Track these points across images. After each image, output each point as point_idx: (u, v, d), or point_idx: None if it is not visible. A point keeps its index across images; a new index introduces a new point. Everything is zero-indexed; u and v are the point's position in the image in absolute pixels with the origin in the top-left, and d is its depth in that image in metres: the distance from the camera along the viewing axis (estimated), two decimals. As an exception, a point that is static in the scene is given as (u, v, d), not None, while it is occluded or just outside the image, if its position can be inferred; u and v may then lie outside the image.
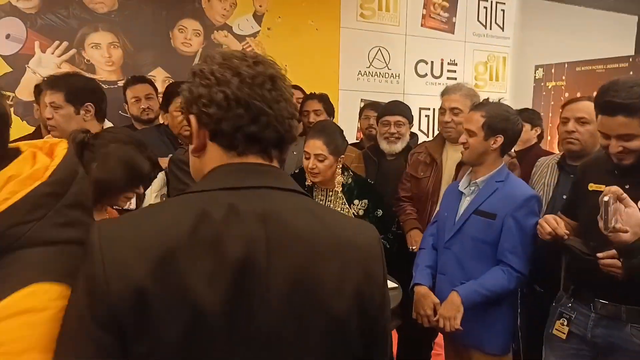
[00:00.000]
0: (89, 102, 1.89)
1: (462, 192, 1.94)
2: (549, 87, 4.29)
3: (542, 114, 4.28)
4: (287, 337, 0.70)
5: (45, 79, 2.03)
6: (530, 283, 1.87)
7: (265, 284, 0.69)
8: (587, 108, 2.15)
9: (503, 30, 4.54)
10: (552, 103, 4.22)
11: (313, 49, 3.78)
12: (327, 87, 3.57)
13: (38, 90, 2.50)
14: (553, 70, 4.26)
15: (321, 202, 2.24)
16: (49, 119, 1.88)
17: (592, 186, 1.68)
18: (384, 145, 2.68)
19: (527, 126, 2.90)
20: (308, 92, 3.21)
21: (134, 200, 1.72)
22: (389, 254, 2.24)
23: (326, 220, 0.76)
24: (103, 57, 3.26)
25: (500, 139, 1.83)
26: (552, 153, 2.58)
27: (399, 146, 2.65)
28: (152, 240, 0.66)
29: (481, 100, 2.03)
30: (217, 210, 0.69)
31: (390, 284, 1.86)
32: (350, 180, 2.26)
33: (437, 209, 2.35)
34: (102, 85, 3.18)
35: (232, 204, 0.70)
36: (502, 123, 1.82)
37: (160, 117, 2.75)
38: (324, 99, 3.06)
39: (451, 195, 2.01)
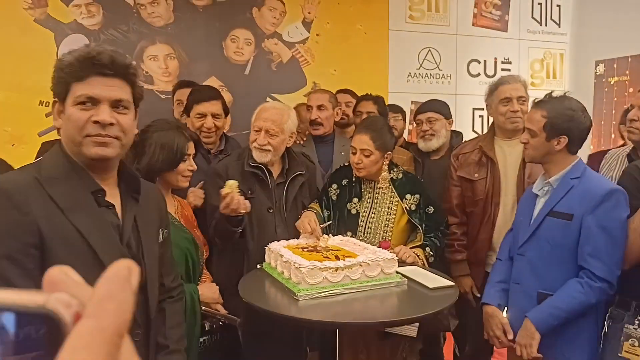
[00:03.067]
0: None
1: (536, 195, 1.83)
2: (612, 82, 4.06)
3: (604, 111, 4.08)
4: None
5: None
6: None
7: None
8: None
9: (559, 27, 4.35)
10: (616, 99, 3.99)
11: (362, 53, 3.75)
12: (376, 90, 3.50)
13: None
14: (615, 65, 4.04)
15: (369, 195, 2.22)
16: None
17: None
18: (420, 144, 2.66)
19: None
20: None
21: None
22: (439, 252, 2.20)
23: None
24: (160, 68, 3.36)
25: (564, 140, 1.71)
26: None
27: (434, 143, 2.60)
28: None
29: (540, 97, 1.85)
30: None
31: (445, 282, 1.80)
32: (401, 175, 2.23)
33: (500, 210, 2.26)
34: (159, 95, 3.35)
35: None
36: (565, 123, 1.69)
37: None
38: (378, 101, 3.00)
39: (526, 199, 1.91)
